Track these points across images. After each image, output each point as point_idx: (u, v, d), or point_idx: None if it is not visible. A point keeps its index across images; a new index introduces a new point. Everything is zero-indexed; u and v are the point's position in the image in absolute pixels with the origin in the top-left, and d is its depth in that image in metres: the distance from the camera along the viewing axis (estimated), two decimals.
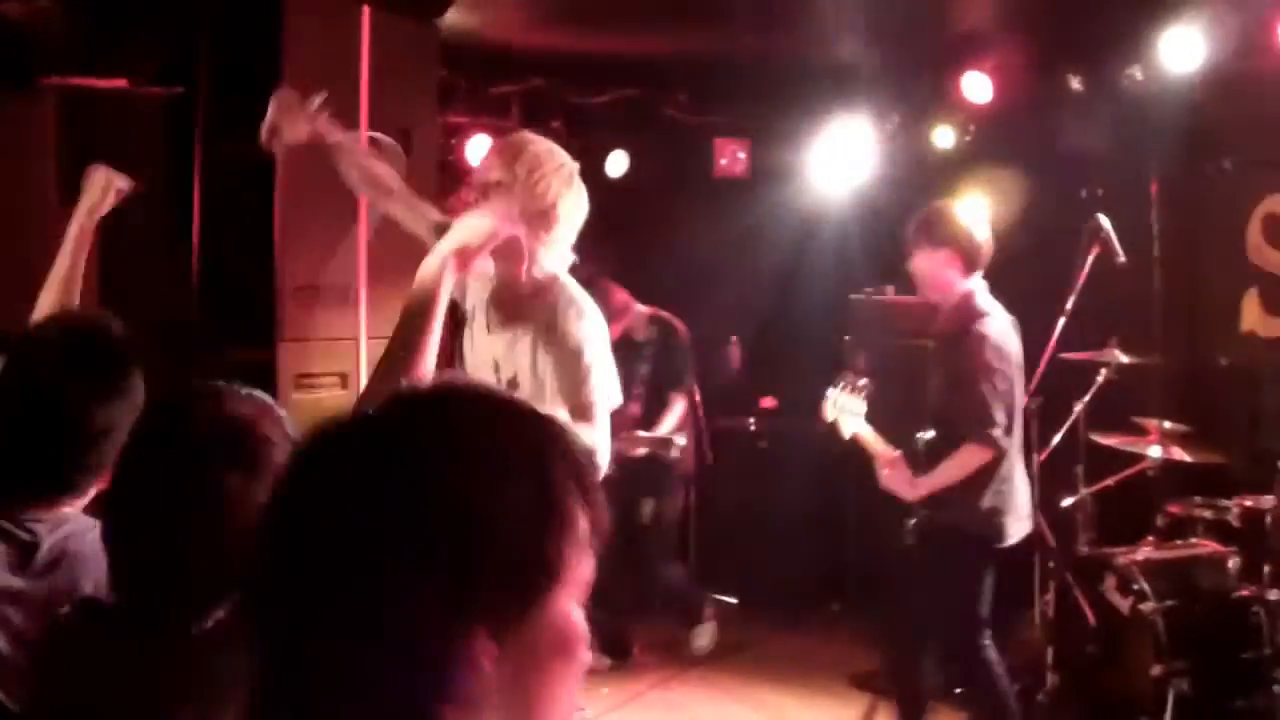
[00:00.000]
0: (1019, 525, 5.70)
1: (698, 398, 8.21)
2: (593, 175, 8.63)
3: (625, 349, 7.23)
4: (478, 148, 8.14)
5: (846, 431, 5.75)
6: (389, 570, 1.17)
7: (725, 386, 9.06)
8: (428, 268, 2.96)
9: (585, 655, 1.28)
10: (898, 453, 5.65)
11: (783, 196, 8.78)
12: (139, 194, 4.21)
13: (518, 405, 1.33)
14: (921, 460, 5.65)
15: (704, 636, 7.64)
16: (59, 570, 2.48)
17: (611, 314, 7.17)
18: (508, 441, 1.26)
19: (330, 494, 1.21)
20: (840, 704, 6.88)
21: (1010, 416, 5.51)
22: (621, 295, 7.43)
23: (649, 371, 7.52)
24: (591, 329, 3.96)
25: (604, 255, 7.59)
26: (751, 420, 8.86)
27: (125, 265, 5.11)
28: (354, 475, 1.22)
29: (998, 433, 5.41)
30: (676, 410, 7.48)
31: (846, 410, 5.69)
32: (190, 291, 5.75)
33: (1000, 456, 5.48)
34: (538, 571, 1.22)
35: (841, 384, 5.76)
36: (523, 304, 4.03)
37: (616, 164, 9.02)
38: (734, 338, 9.31)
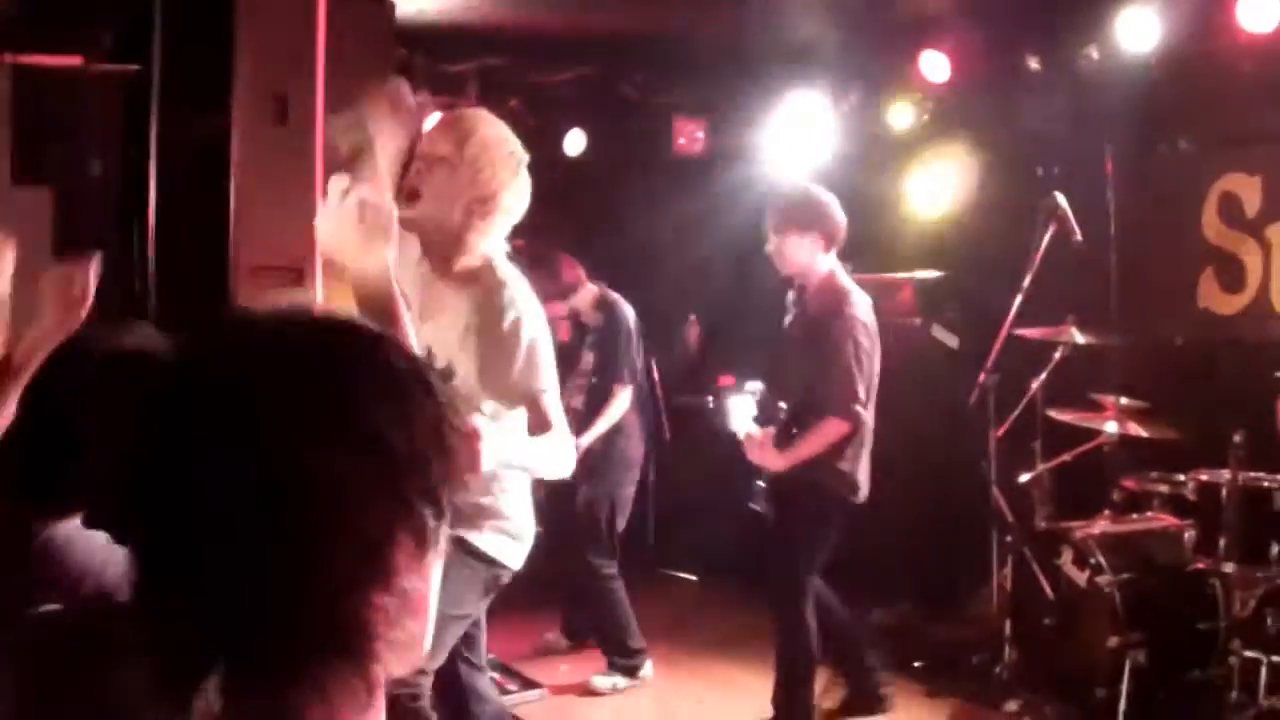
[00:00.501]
0: (866, 485, 5.97)
1: (656, 375, 8.21)
2: (550, 154, 8.74)
3: (571, 331, 7.21)
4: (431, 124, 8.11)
5: (741, 434, 6.00)
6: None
7: (683, 364, 9.08)
8: (366, 274, 3.00)
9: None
10: (768, 429, 5.83)
11: (741, 175, 8.79)
12: (94, 175, 4.10)
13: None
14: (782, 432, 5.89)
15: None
16: None
17: (561, 290, 7.18)
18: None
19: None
20: None
21: (869, 391, 5.84)
22: (573, 271, 7.34)
23: (594, 361, 7.35)
24: (525, 312, 3.84)
25: (558, 229, 7.59)
26: (710, 398, 8.86)
27: (79, 243, 5.06)
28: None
29: (859, 408, 5.74)
30: (619, 402, 7.23)
31: (740, 414, 5.91)
32: (145, 270, 5.71)
33: (859, 427, 5.78)
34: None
35: (736, 394, 5.96)
36: (453, 290, 3.95)
37: (574, 143, 9.01)
38: (692, 316, 9.33)
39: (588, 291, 7.37)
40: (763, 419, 6.14)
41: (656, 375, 8.81)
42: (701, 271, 9.01)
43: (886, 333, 6.23)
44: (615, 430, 7.12)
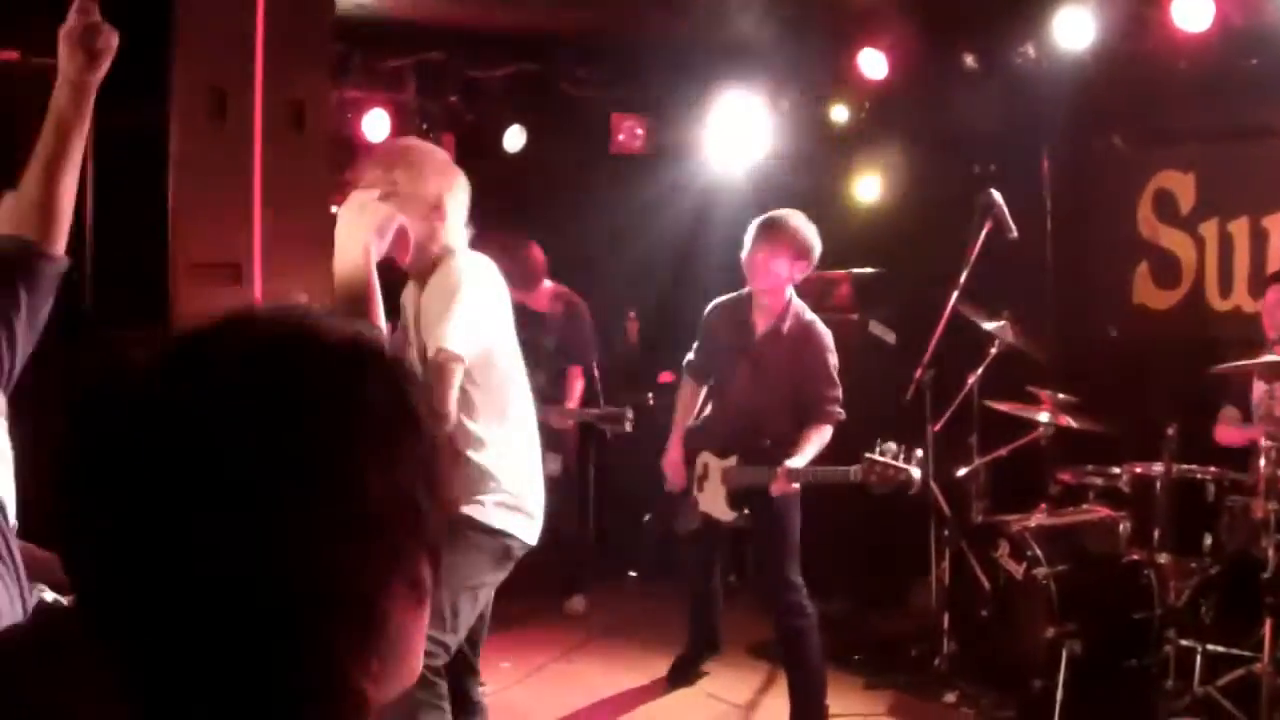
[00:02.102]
0: None
1: (596, 373, 8.23)
2: (490, 150, 8.70)
3: (527, 317, 7.23)
4: (374, 122, 8.08)
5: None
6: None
7: (623, 362, 9.08)
8: (349, 256, 3.38)
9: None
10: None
11: (680, 172, 8.81)
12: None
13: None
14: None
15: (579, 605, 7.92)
16: None
17: (529, 278, 7.28)
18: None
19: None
20: (738, 674, 6.93)
21: None
22: (541, 259, 7.49)
23: (555, 346, 7.52)
24: (472, 280, 4.10)
25: (523, 221, 7.66)
26: (650, 395, 8.87)
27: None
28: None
29: (840, 409, 5.97)
30: (579, 386, 7.47)
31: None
32: (82, 266, 5.64)
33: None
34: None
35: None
36: (425, 287, 4.18)
37: (513, 139, 8.98)
38: (631, 313, 9.32)
39: (545, 289, 7.47)
40: (718, 444, 6.20)
41: (596, 372, 8.84)
42: (641, 269, 9.01)
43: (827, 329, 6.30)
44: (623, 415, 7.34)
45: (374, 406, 1.13)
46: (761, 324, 6.12)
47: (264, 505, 1.05)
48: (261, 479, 1.06)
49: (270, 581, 1.06)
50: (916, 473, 5.68)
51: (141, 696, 1.09)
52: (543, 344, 7.40)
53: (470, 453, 4.16)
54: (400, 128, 8.06)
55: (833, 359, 6.01)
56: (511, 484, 4.25)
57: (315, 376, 1.12)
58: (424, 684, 4.09)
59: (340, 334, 1.16)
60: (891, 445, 5.70)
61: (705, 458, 6.24)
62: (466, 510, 4.12)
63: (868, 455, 5.69)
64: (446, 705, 4.23)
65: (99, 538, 1.08)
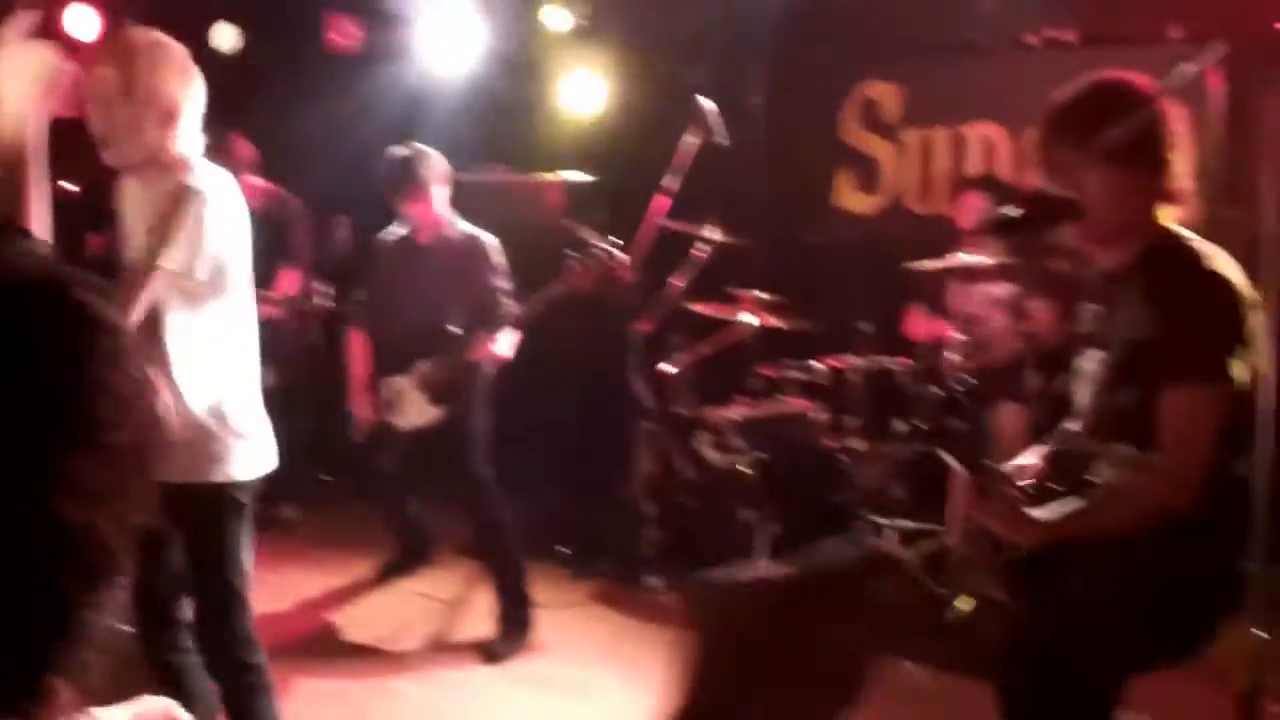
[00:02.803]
0: None
1: (306, 274, 8.06)
2: (198, 49, 8.37)
3: None
4: (77, 17, 7.71)
5: None
6: None
7: (334, 266, 8.90)
8: (5, 117, 2.86)
9: None
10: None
11: (395, 73, 8.66)
12: None
13: None
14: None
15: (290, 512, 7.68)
16: None
17: (236, 167, 6.99)
18: None
19: None
20: (447, 571, 6.89)
21: None
22: (248, 151, 7.23)
23: (265, 245, 7.24)
24: (206, 197, 3.80)
25: (234, 121, 7.39)
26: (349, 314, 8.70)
27: None
28: None
29: (513, 303, 6.01)
30: (290, 281, 7.23)
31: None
32: None
33: None
34: None
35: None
36: (152, 193, 3.88)
37: (225, 36, 8.68)
38: (343, 217, 9.14)
39: (253, 182, 7.22)
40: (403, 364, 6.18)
41: (308, 280, 8.64)
42: (353, 172, 8.81)
43: (537, 235, 6.33)
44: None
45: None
46: (427, 238, 6.19)
47: None
48: None
49: None
50: (617, 250, 5.81)
51: None
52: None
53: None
54: (110, 25, 7.71)
55: (498, 258, 6.10)
56: (250, 423, 3.98)
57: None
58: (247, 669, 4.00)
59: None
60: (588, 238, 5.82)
61: (392, 382, 6.21)
62: (221, 481, 3.86)
63: (570, 258, 5.76)
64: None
65: None
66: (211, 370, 3.85)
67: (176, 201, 3.75)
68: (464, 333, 5.95)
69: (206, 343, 3.84)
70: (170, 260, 3.71)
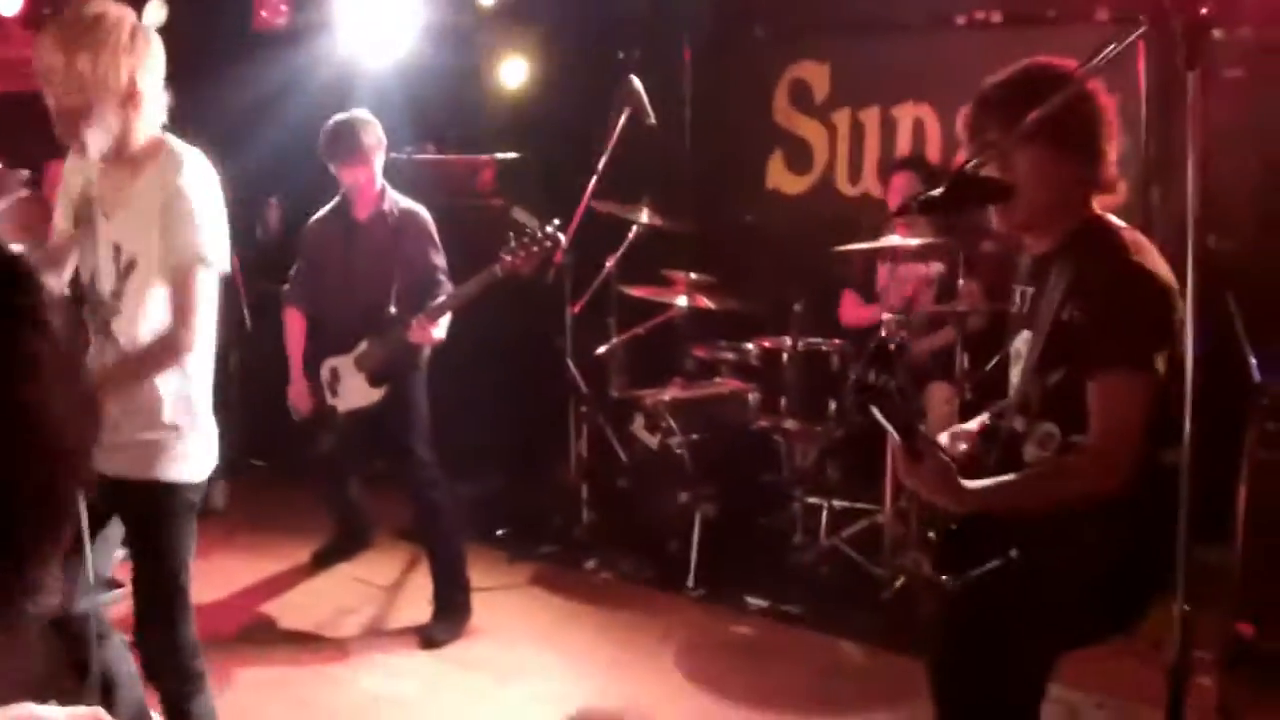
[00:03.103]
0: None
1: (235, 262, 7.95)
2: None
3: None
4: None
5: None
6: None
7: (265, 249, 8.83)
8: None
9: None
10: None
11: (324, 51, 8.57)
12: None
13: None
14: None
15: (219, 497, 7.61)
16: None
17: None
18: None
19: None
20: (384, 555, 6.91)
21: None
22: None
23: None
24: (201, 183, 3.67)
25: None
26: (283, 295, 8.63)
27: None
28: None
29: (447, 278, 6.00)
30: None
31: None
32: None
33: None
34: None
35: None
36: (130, 177, 3.72)
37: (152, 13, 8.55)
38: (273, 199, 9.06)
39: None
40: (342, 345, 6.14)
41: (236, 262, 8.56)
42: (282, 152, 8.74)
43: (468, 214, 6.30)
44: None
45: None
46: (364, 214, 6.11)
47: None
48: None
49: None
50: (558, 233, 5.75)
51: None
52: None
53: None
54: (31, 2, 7.58)
55: (434, 231, 6.06)
56: (205, 420, 3.89)
57: None
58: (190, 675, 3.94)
59: None
60: (520, 218, 5.79)
61: (331, 363, 6.15)
62: (174, 480, 3.76)
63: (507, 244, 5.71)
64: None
65: None
66: (188, 367, 3.75)
67: (179, 194, 3.60)
68: (403, 312, 5.91)
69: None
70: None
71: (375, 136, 6.00)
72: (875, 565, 6.10)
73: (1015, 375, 3.33)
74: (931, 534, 3.37)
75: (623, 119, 6.72)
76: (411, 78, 8.36)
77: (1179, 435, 2.41)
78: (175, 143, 3.76)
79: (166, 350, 3.63)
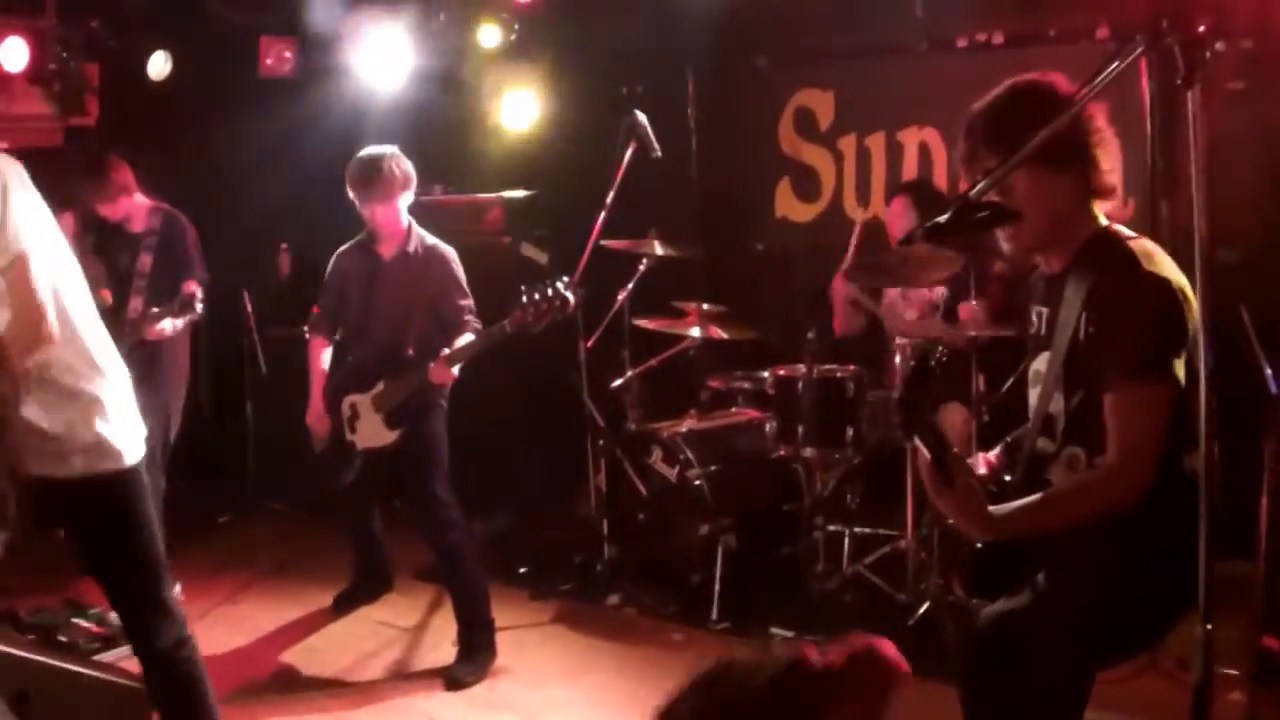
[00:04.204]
0: None
1: (249, 307, 7.99)
2: (134, 78, 8.31)
3: (119, 239, 6.87)
4: (11, 50, 7.60)
5: None
6: None
7: (275, 295, 8.86)
8: None
9: None
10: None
11: (331, 97, 8.61)
12: None
13: None
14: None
15: None
16: None
17: (112, 192, 6.80)
18: None
19: None
20: (406, 598, 6.88)
21: None
22: (125, 175, 6.93)
23: (152, 262, 6.96)
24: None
25: (117, 133, 7.21)
26: (305, 328, 8.65)
27: None
28: None
29: (476, 318, 6.01)
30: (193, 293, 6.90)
31: None
32: None
33: None
34: None
35: None
36: None
37: (159, 65, 8.61)
38: (284, 244, 9.09)
39: (140, 203, 6.97)
40: (363, 383, 6.13)
41: (249, 307, 8.60)
42: (292, 198, 8.77)
43: (477, 253, 6.31)
44: (173, 341, 6.85)
45: None
46: (389, 251, 6.13)
47: None
48: None
49: None
50: (568, 291, 5.71)
51: None
52: (136, 264, 6.91)
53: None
54: (39, 56, 7.62)
55: (459, 272, 6.06)
56: (120, 406, 4.00)
57: None
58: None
59: None
60: (529, 253, 5.77)
61: (351, 399, 6.14)
62: (111, 469, 3.91)
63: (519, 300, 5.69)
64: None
65: None
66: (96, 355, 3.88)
67: None
68: (420, 355, 5.91)
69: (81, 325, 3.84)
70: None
71: (402, 172, 6.00)
72: (899, 591, 6.08)
73: (1034, 397, 3.31)
74: (958, 556, 3.33)
75: (629, 153, 6.74)
76: (417, 119, 8.41)
77: (1197, 440, 2.39)
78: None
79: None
